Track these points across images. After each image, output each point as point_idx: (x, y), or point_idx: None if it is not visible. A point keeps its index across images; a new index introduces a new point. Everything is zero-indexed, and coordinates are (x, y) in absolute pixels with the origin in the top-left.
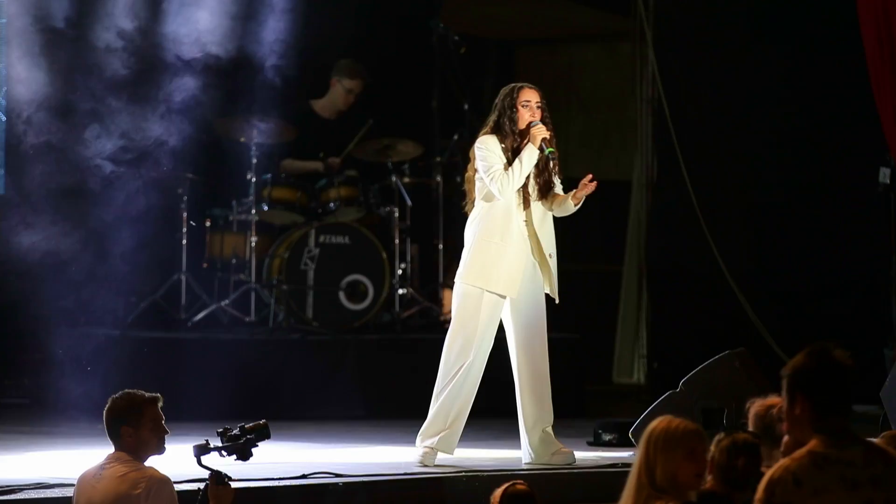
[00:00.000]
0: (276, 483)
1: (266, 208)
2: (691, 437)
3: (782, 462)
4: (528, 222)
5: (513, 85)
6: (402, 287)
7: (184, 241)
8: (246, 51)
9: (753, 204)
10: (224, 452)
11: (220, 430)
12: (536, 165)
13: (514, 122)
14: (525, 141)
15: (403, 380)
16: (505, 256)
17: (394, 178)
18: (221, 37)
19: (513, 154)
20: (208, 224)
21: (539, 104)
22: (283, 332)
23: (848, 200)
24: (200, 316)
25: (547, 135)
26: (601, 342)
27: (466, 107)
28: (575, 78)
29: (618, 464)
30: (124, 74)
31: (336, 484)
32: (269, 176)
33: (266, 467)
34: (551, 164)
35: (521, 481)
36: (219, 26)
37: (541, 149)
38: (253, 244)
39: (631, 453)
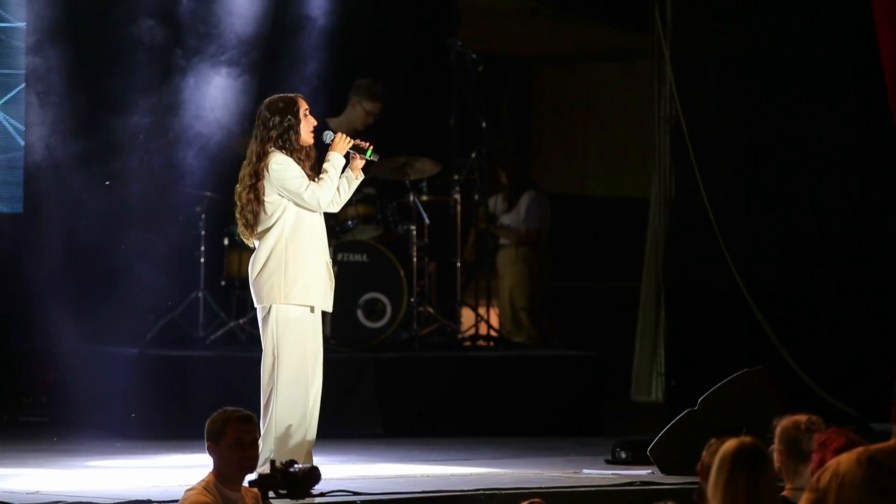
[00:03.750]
0: (294, 501)
1: None
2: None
3: (838, 458)
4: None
5: (286, 97)
6: (420, 305)
7: (202, 260)
8: (264, 67)
9: (771, 221)
10: (282, 492)
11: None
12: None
13: (300, 133)
14: (310, 153)
15: (422, 397)
16: (321, 272)
17: (412, 196)
18: (241, 52)
19: (311, 166)
20: (226, 242)
21: (306, 111)
22: None
23: (867, 217)
24: (218, 334)
25: (353, 142)
26: (619, 360)
27: (484, 125)
28: (593, 96)
29: (635, 482)
30: (143, 93)
31: (354, 502)
32: None
33: None
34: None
35: (540, 499)
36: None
37: (359, 153)
38: None
39: (649, 471)
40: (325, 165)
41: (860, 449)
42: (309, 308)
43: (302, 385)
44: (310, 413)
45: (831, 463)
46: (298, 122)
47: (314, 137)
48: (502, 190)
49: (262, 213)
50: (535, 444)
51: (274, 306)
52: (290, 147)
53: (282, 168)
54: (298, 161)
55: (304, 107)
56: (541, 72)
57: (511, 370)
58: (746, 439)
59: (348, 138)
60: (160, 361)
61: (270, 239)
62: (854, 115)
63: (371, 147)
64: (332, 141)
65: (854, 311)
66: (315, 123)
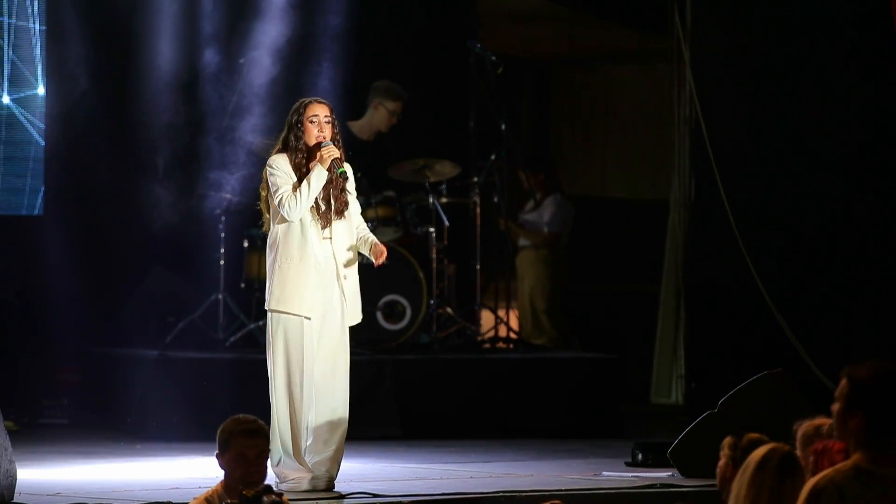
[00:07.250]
0: (313, 503)
1: None
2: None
3: (826, 472)
4: (330, 240)
5: (301, 100)
6: (439, 307)
7: (222, 262)
8: (285, 74)
9: (791, 223)
10: None
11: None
12: (333, 185)
13: (299, 138)
14: (314, 160)
15: (441, 400)
16: (306, 278)
17: (431, 198)
18: (265, 60)
19: (305, 171)
20: (246, 244)
21: (328, 118)
22: None
23: (887, 219)
24: (238, 336)
25: (337, 154)
26: (639, 362)
27: (503, 127)
28: (612, 98)
29: (655, 484)
30: (168, 96)
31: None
32: None
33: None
34: (347, 183)
35: (559, 501)
36: (265, 49)
37: (331, 170)
38: None
39: (669, 473)
40: (308, 176)
41: (847, 465)
42: (297, 315)
43: (287, 394)
44: (307, 422)
45: (824, 481)
46: (301, 123)
47: (332, 143)
48: (530, 197)
49: (268, 212)
50: (554, 446)
51: (269, 311)
52: (289, 147)
53: (270, 172)
54: (299, 163)
55: (313, 111)
56: (560, 74)
57: (530, 372)
58: (777, 446)
59: (334, 152)
60: (180, 363)
61: (270, 240)
62: (874, 116)
63: (344, 167)
64: (321, 150)
65: (875, 314)
66: (329, 134)
